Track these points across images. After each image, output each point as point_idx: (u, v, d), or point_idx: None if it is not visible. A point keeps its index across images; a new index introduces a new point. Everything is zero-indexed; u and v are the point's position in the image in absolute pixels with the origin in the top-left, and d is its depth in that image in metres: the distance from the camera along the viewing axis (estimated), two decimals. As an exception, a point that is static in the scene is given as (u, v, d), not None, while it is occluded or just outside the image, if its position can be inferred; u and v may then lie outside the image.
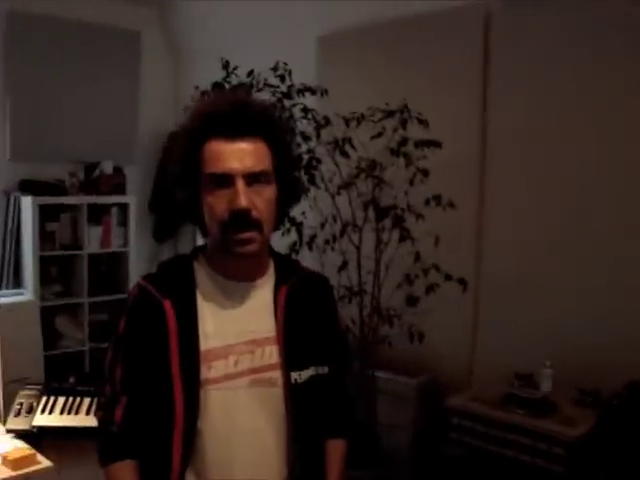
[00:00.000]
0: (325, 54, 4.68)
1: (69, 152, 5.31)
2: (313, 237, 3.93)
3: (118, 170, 5.50)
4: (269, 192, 1.56)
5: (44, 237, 4.97)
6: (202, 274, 1.63)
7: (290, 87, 3.86)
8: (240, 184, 1.50)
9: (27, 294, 4.77)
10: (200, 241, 1.71)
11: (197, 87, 3.83)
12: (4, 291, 4.54)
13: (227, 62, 3.93)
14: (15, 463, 2.60)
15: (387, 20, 4.28)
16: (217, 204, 1.52)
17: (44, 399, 3.28)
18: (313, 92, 3.92)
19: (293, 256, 3.62)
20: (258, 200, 1.52)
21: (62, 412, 3.23)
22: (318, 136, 3.85)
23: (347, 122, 3.77)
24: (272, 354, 1.59)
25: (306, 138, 3.77)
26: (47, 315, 4.85)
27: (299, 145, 3.65)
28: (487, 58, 3.90)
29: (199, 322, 1.57)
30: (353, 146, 3.79)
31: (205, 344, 1.55)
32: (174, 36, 5.95)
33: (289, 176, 1.63)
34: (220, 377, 1.55)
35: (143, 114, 5.76)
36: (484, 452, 3.34)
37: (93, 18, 5.35)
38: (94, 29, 5.38)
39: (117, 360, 1.62)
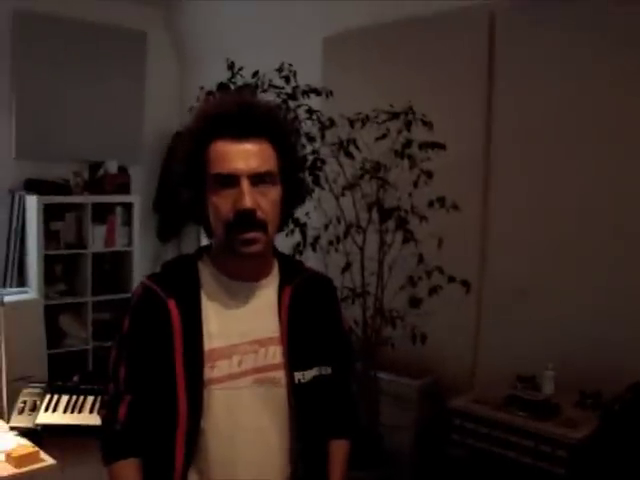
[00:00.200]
0: (330, 55, 4.69)
1: (74, 151, 5.33)
2: (317, 238, 3.93)
3: (123, 170, 5.51)
4: (274, 193, 1.56)
5: (49, 236, 4.99)
6: (206, 274, 1.64)
7: (295, 88, 3.86)
8: (245, 184, 1.50)
9: (31, 292, 4.78)
10: (204, 241, 1.72)
11: (202, 87, 3.84)
12: (9, 289, 4.54)
13: (232, 63, 3.94)
14: (19, 461, 2.60)
15: (392, 21, 4.28)
16: (222, 204, 1.52)
17: (48, 397, 3.28)
18: (318, 93, 3.92)
19: (297, 257, 3.63)
20: (263, 201, 1.53)
21: (66, 410, 3.23)
22: (323, 137, 3.85)
23: (352, 123, 3.78)
24: (276, 354, 1.60)
25: (311, 139, 3.77)
26: (51, 314, 4.86)
27: (304, 146, 3.66)
28: (491, 59, 3.90)
29: (203, 322, 1.57)
30: (357, 147, 3.79)
31: (209, 344, 1.56)
32: (180, 36, 5.96)
33: (294, 177, 1.64)
34: (224, 377, 1.55)
35: (148, 114, 5.77)
36: (486, 454, 3.34)
37: (99, 18, 5.36)
38: (100, 29, 5.40)
39: (121, 359, 1.63)
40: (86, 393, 3.33)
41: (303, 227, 3.83)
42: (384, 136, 3.73)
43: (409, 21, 4.20)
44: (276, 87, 3.85)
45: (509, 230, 3.88)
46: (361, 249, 3.87)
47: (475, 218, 3.96)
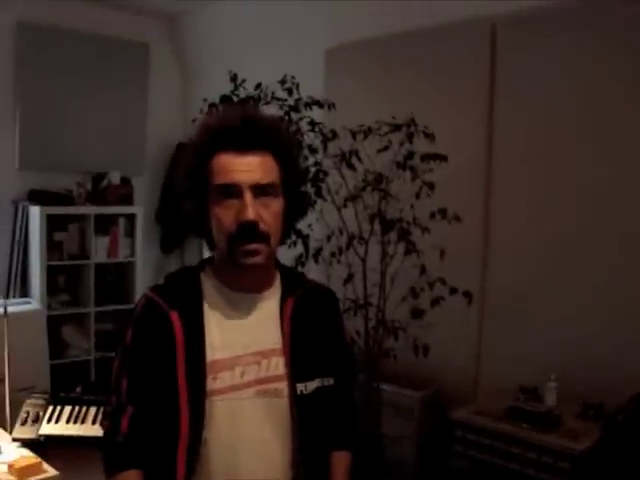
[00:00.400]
0: (332, 67, 4.71)
1: (77, 162, 5.35)
2: (319, 249, 3.93)
3: (126, 181, 5.53)
4: (276, 205, 1.57)
5: (52, 247, 5.01)
6: (209, 286, 1.64)
7: (297, 100, 3.88)
8: (248, 196, 1.52)
9: (34, 303, 4.79)
10: (206, 252, 1.73)
11: (206, 100, 3.86)
12: (11, 300, 4.55)
13: (235, 75, 3.96)
14: (21, 472, 2.60)
15: (394, 34, 4.31)
16: (225, 215, 1.53)
17: (51, 408, 3.28)
18: (320, 105, 3.94)
19: (299, 268, 3.64)
20: (265, 213, 1.54)
21: (68, 421, 3.23)
22: (325, 149, 3.86)
23: (354, 135, 3.79)
24: (278, 365, 1.60)
25: (313, 151, 3.79)
26: (54, 324, 4.88)
27: (306, 158, 3.67)
28: (493, 71, 3.92)
29: (206, 333, 1.58)
30: (360, 159, 3.80)
31: (211, 355, 1.56)
32: (182, 48, 5.98)
33: (296, 190, 1.65)
34: (226, 388, 1.56)
35: (151, 125, 5.80)
36: (489, 465, 3.34)
37: (102, 30, 5.40)
38: (103, 40, 5.43)
39: (124, 370, 1.63)
40: (89, 404, 3.32)
41: (305, 239, 3.84)
42: (386, 148, 3.74)
43: (411, 33, 4.23)
44: (279, 99, 3.87)
45: (511, 241, 3.89)
46: (363, 260, 3.88)
47: (477, 229, 3.97)
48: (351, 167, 3.81)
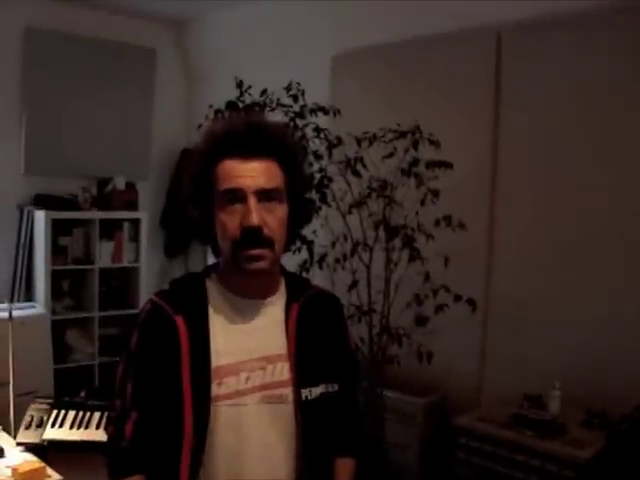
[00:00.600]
0: (338, 73, 4.72)
1: (82, 167, 5.37)
2: (324, 256, 3.94)
3: (131, 186, 5.55)
4: (281, 211, 1.58)
5: (56, 251, 5.02)
6: (214, 291, 1.64)
7: (303, 107, 3.88)
8: (252, 201, 1.52)
9: (38, 307, 4.80)
10: (211, 257, 1.73)
11: (211, 106, 3.87)
12: (16, 304, 4.56)
13: (241, 81, 3.97)
14: (25, 476, 2.60)
15: (400, 41, 4.32)
16: (229, 221, 1.53)
17: (54, 413, 3.28)
18: (326, 112, 3.94)
19: (304, 274, 3.64)
20: (270, 218, 1.54)
21: (72, 426, 3.23)
22: (330, 155, 3.87)
23: (359, 142, 3.80)
24: (283, 371, 1.60)
25: (318, 157, 3.79)
26: (58, 329, 4.89)
27: (311, 164, 3.67)
28: (498, 78, 3.93)
29: (211, 339, 1.58)
30: (365, 166, 3.81)
31: (216, 361, 1.56)
32: (189, 54, 6.00)
33: (301, 196, 1.65)
34: (231, 393, 1.56)
35: (156, 131, 5.81)
36: (492, 472, 3.33)
37: (109, 35, 5.42)
38: (109, 46, 5.45)
39: (128, 375, 1.63)
40: (93, 409, 3.32)
41: (310, 245, 3.84)
42: (391, 155, 3.75)
43: (417, 41, 4.24)
44: (284, 106, 3.88)
45: (515, 249, 3.89)
46: (368, 267, 3.88)
47: (481, 237, 3.97)
48: (356, 174, 3.82)
